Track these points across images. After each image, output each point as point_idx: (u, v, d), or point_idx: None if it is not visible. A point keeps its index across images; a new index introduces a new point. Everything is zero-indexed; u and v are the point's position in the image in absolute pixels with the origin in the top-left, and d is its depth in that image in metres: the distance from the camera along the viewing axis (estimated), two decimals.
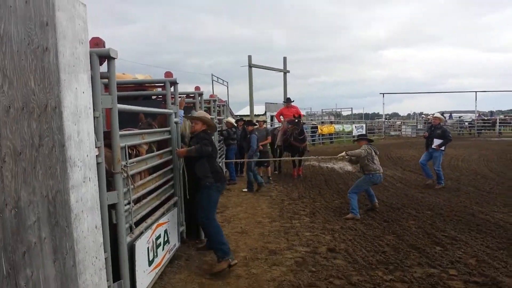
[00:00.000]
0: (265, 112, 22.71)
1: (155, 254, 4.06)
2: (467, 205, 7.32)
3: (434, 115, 10.30)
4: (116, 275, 3.19)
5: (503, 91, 41.29)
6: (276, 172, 12.26)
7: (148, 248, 3.85)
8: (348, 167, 12.94)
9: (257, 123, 10.43)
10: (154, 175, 4.35)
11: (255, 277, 4.30)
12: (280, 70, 21.03)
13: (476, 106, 33.27)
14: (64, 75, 2.22)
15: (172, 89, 5.05)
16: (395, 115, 78.66)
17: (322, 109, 40.98)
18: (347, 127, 27.41)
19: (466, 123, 32.93)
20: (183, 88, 6.82)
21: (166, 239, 4.44)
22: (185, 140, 5.28)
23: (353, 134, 26.03)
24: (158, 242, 4.19)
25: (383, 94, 33.26)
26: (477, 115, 33.46)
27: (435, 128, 9.47)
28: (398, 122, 40.61)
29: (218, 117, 8.83)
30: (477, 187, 9.12)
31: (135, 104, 5.48)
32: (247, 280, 4.25)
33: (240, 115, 22.16)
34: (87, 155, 2.53)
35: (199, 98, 7.06)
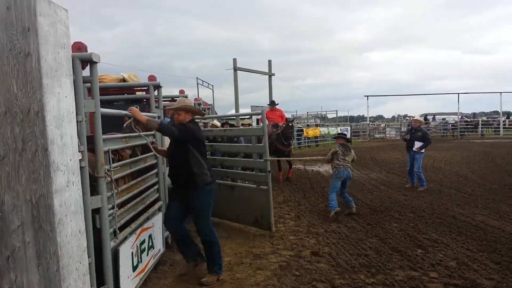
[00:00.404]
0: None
1: (140, 260, 4.04)
2: (449, 207, 7.46)
3: (415, 118, 10.48)
4: (100, 280, 3.17)
5: (486, 92, 42.01)
6: None
7: (132, 253, 3.83)
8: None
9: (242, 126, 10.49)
10: (139, 179, 4.33)
11: (239, 282, 4.31)
12: (265, 73, 21.09)
13: (458, 108, 33.63)
14: (46, 80, 2.22)
15: (156, 92, 5.03)
16: (380, 117, 79.56)
17: (307, 112, 41.24)
18: (333, 130, 27.64)
19: (450, 125, 33.35)
20: (168, 91, 6.73)
21: (150, 244, 4.41)
22: None
23: None
24: (143, 247, 4.16)
25: (367, 96, 33.65)
26: (460, 117, 33.89)
27: (415, 131, 9.63)
28: (383, 125, 41.03)
29: (204, 121, 8.82)
30: (458, 189, 9.29)
31: (120, 108, 5.45)
32: (231, 285, 4.25)
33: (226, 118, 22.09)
34: (71, 159, 2.52)
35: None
